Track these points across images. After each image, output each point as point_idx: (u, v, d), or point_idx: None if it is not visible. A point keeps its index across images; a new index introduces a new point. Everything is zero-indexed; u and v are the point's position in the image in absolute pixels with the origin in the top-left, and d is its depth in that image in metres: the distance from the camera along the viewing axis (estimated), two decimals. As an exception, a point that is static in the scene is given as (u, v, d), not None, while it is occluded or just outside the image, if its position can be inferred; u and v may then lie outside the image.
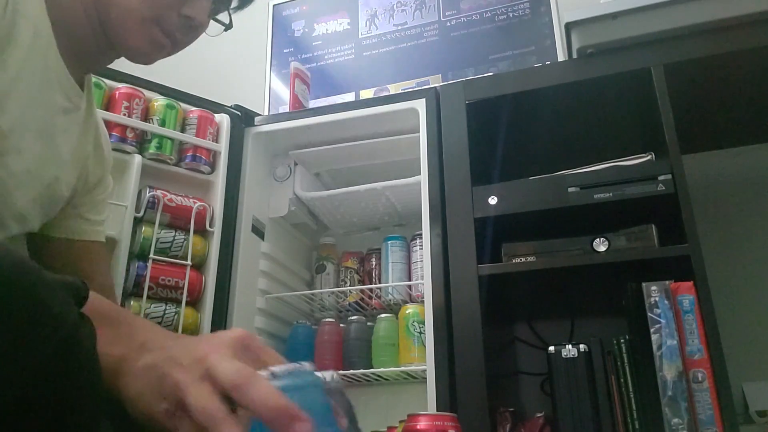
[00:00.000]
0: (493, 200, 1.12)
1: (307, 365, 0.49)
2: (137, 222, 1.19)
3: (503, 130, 1.32)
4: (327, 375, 0.54)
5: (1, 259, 0.43)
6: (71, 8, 0.74)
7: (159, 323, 1.19)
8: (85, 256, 0.85)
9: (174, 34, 0.78)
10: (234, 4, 0.84)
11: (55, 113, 0.75)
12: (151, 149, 1.25)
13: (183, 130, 1.30)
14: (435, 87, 1.30)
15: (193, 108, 1.33)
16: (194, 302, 1.23)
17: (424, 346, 1.13)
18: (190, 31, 0.79)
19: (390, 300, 1.43)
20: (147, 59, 0.79)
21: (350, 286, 1.51)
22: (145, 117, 1.25)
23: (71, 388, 0.46)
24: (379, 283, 1.47)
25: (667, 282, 0.97)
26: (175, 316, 1.20)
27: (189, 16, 0.76)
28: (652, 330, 0.95)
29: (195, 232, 1.24)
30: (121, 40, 0.76)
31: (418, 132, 1.26)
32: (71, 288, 0.48)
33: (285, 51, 1.96)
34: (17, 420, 0.42)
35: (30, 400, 0.42)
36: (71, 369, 0.46)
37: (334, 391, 0.54)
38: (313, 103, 1.66)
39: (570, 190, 1.09)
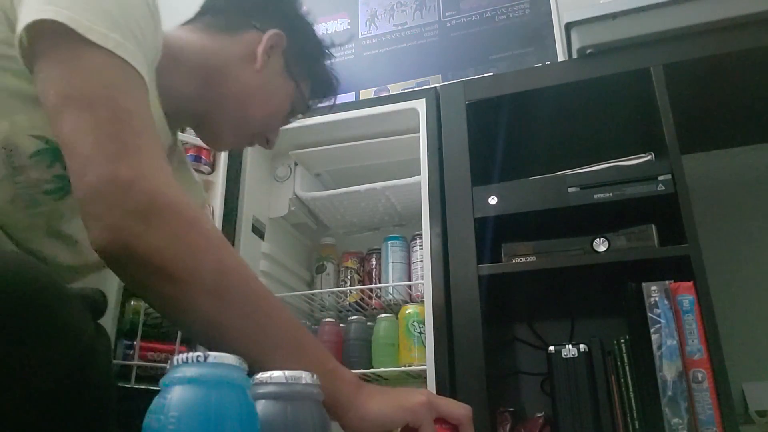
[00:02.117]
0: (493, 200, 1.12)
1: (232, 360, 0.46)
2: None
3: (503, 130, 1.32)
4: (297, 378, 0.53)
5: (22, 273, 0.43)
6: (178, 92, 0.83)
7: (159, 323, 1.19)
8: None
9: (252, 143, 0.96)
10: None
11: None
12: (151, 149, 1.24)
13: (184, 130, 1.30)
14: (435, 87, 1.30)
15: (194, 108, 1.33)
16: (194, 302, 1.23)
17: (424, 346, 1.13)
18: (262, 146, 0.97)
19: (390, 300, 1.43)
20: (222, 148, 1.00)
21: (350, 286, 1.51)
22: (145, 117, 1.25)
23: (87, 400, 0.47)
24: (379, 283, 1.47)
25: (667, 282, 0.97)
26: None
27: (269, 140, 0.95)
28: (652, 330, 0.95)
29: (195, 232, 1.24)
30: (216, 131, 0.90)
31: (418, 132, 1.26)
32: (89, 301, 0.49)
33: (285, 51, 1.96)
34: (36, 430, 0.43)
35: (47, 413, 0.43)
36: (87, 382, 0.47)
37: (296, 396, 0.53)
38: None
39: (570, 190, 1.09)
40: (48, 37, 0.59)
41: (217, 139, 0.93)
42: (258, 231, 1.40)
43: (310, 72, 0.96)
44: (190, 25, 0.89)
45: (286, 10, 0.95)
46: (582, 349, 1.05)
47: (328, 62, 1.00)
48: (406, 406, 0.59)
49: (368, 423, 0.59)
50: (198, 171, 1.32)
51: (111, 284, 1.05)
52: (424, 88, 1.44)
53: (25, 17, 0.59)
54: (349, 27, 1.91)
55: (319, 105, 1.01)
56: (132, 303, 1.16)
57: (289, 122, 0.98)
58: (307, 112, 1.00)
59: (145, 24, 0.66)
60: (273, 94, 0.92)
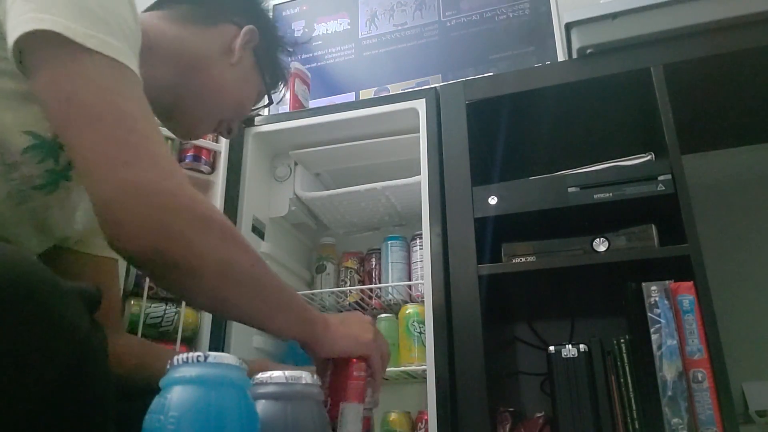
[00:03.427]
0: (493, 200, 1.12)
1: (231, 360, 0.47)
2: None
3: (503, 130, 1.32)
4: (297, 378, 0.53)
5: (16, 267, 0.43)
6: (152, 81, 0.81)
7: (159, 323, 1.19)
8: (97, 271, 0.88)
9: (214, 132, 0.98)
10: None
11: None
12: (151, 149, 1.24)
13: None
14: (435, 87, 1.30)
15: (194, 108, 1.33)
16: (194, 302, 1.23)
17: (424, 346, 1.13)
18: (222, 136, 1.00)
19: (390, 300, 1.43)
20: (184, 137, 0.99)
21: (350, 286, 1.51)
22: (145, 117, 1.25)
23: (84, 394, 0.46)
24: (379, 283, 1.47)
25: (667, 282, 0.97)
26: (176, 316, 1.20)
27: (231, 130, 0.97)
28: (652, 330, 0.95)
29: (195, 232, 1.24)
30: (184, 119, 0.91)
31: (418, 132, 1.26)
32: (85, 295, 0.49)
33: (285, 51, 1.96)
34: (32, 427, 0.43)
35: (43, 408, 0.43)
36: (84, 376, 0.46)
37: (296, 396, 0.53)
38: (313, 103, 1.66)
39: (570, 190, 1.09)
40: (44, 47, 0.59)
41: (191, 129, 0.94)
42: (258, 231, 1.40)
43: (270, 65, 0.99)
44: (160, 12, 0.88)
45: (257, 7, 0.98)
46: (582, 349, 1.05)
47: (286, 58, 1.04)
48: (361, 341, 0.78)
49: (335, 353, 0.76)
50: (198, 171, 1.32)
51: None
52: (424, 88, 1.44)
53: (19, 26, 0.58)
54: (349, 27, 1.91)
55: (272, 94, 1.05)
56: (132, 303, 1.16)
57: (251, 114, 1.03)
58: (268, 105, 1.04)
59: (128, 17, 0.66)
60: (244, 86, 0.94)
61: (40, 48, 0.59)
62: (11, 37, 0.59)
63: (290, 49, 1.04)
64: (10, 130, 0.64)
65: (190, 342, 1.24)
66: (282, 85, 1.05)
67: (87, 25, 0.60)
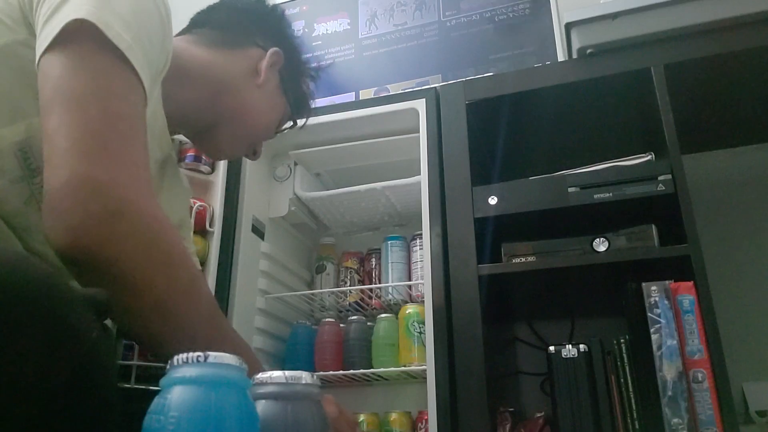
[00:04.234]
0: (493, 200, 1.12)
1: (231, 360, 0.46)
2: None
3: (503, 130, 1.32)
4: (298, 378, 0.53)
5: (24, 273, 0.43)
6: (185, 102, 0.85)
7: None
8: None
9: (240, 156, 1.03)
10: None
11: (152, 163, 0.84)
12: (151, 149, 1.25)
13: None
14: (435, 87, 1.30)
15: (193, 108, 1.33)
16: (194, 302, 1.23)
17: (424, 346, 1.13)
18: (249, 158, 1.04)
19: (390, 300, 1.43)
20: (217, 158, 1.09)
21: (350, 286, 1.51)
22: (145, 117, 1.26)
23: (89, 401, 0.46)
24: (379, 283, 1.47)
25: (667, 282, 0.97)
26: None
27: (256, 152, 1.01)
28: (652, 330, 0.95)
29: (195, 232, 1.24)
30: (215, 141, 0.94)
31: (418, 132, 1.26)
32: (94, 302, 0.49)
33: (285, 51, 1.96)
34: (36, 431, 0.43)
35: (49, 415, 0.43)
36: (90, 383, 0.46)
37: (296, 396, 0.52)
38: (313, 103, 1.66)
39: (570, 190, 1.09)
40: (68, 36, 0.60)
41: (219, 150, 0.97)
42: (258, 231, 1.40)
43: (296, 89, 1.02)
44: (190, 37, 0.91)
45: (282, 30, 1.00)
46: (582, 349, 1.05)
47: (307, 83, 1.07)
48: None
49: None
50: (198, 171, 1.32)
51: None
52: (424, 88, 1.44)
53: (60, 20, 0.60)
54: (349, 27, 1.91)
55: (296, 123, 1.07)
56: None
57: (275, 136, 1.04)
58: (292, 127, 1.06)
59: (154, 33, 0.67)
60: (271, 109, 0.97)
61: (70, 35, 0.60)
62: (55, 30, 0.60)
63: (313, 73, 1.06)
64: (37, 135, 0.64)
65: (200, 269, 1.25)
66: (306, 109, 1.06)
67: (120, 26, 0.62)
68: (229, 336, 0.68)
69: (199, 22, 0.94)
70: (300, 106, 1.04)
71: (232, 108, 0.91)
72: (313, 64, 1.07)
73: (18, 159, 0.65)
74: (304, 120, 1.09)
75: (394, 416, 1.34)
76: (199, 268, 1.18)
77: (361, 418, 1.34)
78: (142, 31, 0.65)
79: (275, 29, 0.99)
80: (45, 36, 0.61)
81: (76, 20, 0.60)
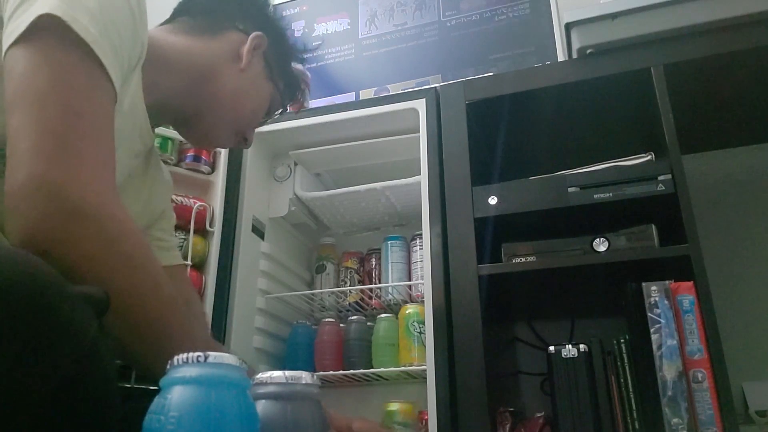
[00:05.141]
0: (493, 200, 1.12)
1: (231, 360, 0.46)
2: (137, 222, 1.19)
3: (503, 130, 1.32)
4: (298, 378, 0.53)
5: (23, 271, 0.43)
6: (167, 92, 0.84)
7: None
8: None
9: (233, 143, 0.98)
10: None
11: (133, 157, 0.84)
12: (151, 149, 1.25)
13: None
14: (435, 87, 1.30)
15: (194, 108, 1.33)
16: (194, 302, 1.23)
17: (424, 346, 1.13)
18: (239, 146, 1.00)
19: (390, 300, 1.43)
20: (204, 147, 1.06)
21: (350, 286, 1.51)
22: (146, 117, 1.26)
23: (88, 399, 0.46)
24: (379, 283, 1.47)
25: (667, 282, 0.97)
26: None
27: (247, 139, 0.98)
28: (652, 330, 0.95)
29: (195, 232, 1.24)
30: (201, 129, 0.92)
31: (418, 132, 1.26)
32: (93, 300, 0.49)
33: (285, 51, 1.96)
34: (35, 430, 0.43)
35: (48, 411, 0.43)
36: (89, 381, 0.46)
37: (296, 396, 0.52)
38: (313, 103, 1.66)
39: (570, 190, 1.09)
40: (34, 30, 0.59)
41: (206, 137, 0.95)
42: (258, 231, 1.40)
43: (284, 73, 0.99)
44: (169, 26, 0.90)
45: (264, 13, 0.98)
46: (582, 349, 1.05)
47: (299, 65, 1.04)
48: None
49: None
50: (198, 171, 1.32)
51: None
52: (424, 88, 1.44)
53: (28, 16, 0.59)
54: (349, 27, 1.91)
55: (289, 106, 1.05)
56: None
57: (265, 122, 1.02)
58: (282, 113, 1.04)
59: (124, 25, 0.67)
60: (256, 93, 0.94)
61: (36, 29, 0.59)
62: (22, 25, 0.59)
63: (301, 55, 1.03)
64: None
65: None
66: (298, 93, 1.04)
67: (88, 20, 0.61)
68: (199, 338, 0.65)
69: (180, 11, 0.93)
70: (290, 90, 1.01)
71: (214, 94, 0.89)
72: (300, 45, 1.04)
73: None
74: (298, 105, 1.06)
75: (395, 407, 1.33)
76: (187, 263, 1.19)
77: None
78: (110, 24, 0.64)
79: (257, 12, 0.97)
80: (11, 31, 0.60)
81: (41, 15, 0.59)
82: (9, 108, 0.58)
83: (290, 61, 1.01)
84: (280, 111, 1.02)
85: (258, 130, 1.40)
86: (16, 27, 0.60)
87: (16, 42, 0.60)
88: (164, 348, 0.57)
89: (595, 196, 1.07)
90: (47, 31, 0.59)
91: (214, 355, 0.45)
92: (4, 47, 0.61)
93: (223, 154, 1.35)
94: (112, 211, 0.58)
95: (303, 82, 1.05)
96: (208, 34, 0.90)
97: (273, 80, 0.96)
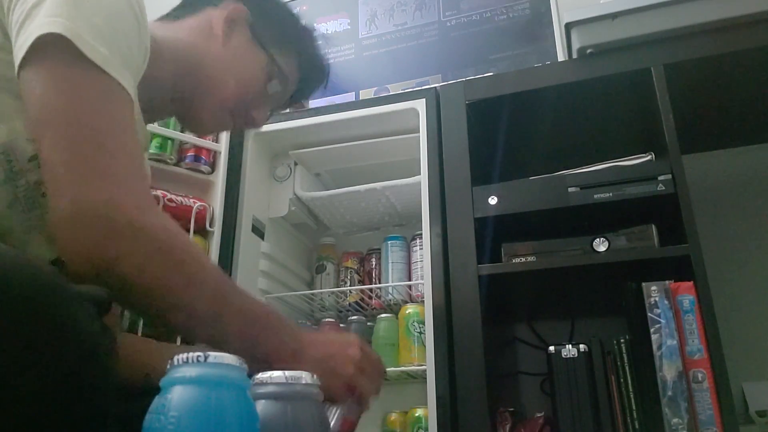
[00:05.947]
0: (493, 200, 1.12)
1: (231, 360, 0.47)
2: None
3: (503, 130, 1.32)
4: (298, 378, 0.53)
5: (24, 270, 0.43)
6: (157, 80, 0.82)
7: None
8: None
9: (236, 123, 0.93)
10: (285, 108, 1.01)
11: None
12: (152, 149, 1.25)
13: (183, 131, 1.30)
14: (435, 87, 1.30)
15: (194, 108, 1.33)
16: (194, 302, 1.23)
17: (424, 346, 1.13)
18: (247, 126, 0.95)
19: (390, 300, 1.43)
20: (206, 133, 0.99)
21: (350, 286, 1.51)
22: (146, 117, 1.26)
23: (89, 398, 0.47)
24: (379, 283, 1.47)
25: (667, 282, 0.97)
26: None
27: (254, 117, 0.92)
28: (652, 330, 0.95)
29: (195, 232, 1.24)
30: (195, 115, 0.90)
31: (418, 132, 1.26)
32: (94, 299, 0.49)
33: (285, 51, 1.96)
34: (36, 429, 0.43)
35: (49, 410, 0.43)
36: (90, 380, 0.46)
37: (296, 396, 0.52)
38: (313, 103, 1.66)
39: (570, 190, 1.09)
40: (43, 48, 0.59)
41: (201, 123, 0.93)
42: (258, 231, 1.40)
43: (283, 40, 0.93)
44: (161, 20, 0.90)
45: None
46: (582, 349, 1.05)
47: (315, 44, 1.01)
48: (341, 378, 0.71)
49: None
50: (198, 171, 1.32)
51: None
52: (424, 88, 1.44)
53: (33, 30, 0.59)
54: (349, 27, 1.91)
55: (315, 88, 1.02)
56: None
57: (284, 96, 0.96)
58: (300, 92, 1.00)
59: (131, 35, 0.67)
60: (242, 65, 0.89)
61: (38, 48, 0.59)
62: (23, 42, 0.60)
63: (291, 18, 0.98)
64: (19, 137, 0.64)
65: (191, 342, 1.24)
66: (319, 74, 1.01)
67: (94, 37, 0.61)
68: (262, 320, 0.69)
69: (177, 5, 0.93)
70: (307, 67, 0.97)
71: (197, 75, 0.86)
72: (292, 7, 0.99)
73: (1, 162, 0.65)
74: (322, 86, 1.03)
75: (393, 416, 1.34)
76: None
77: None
78: (119, 35, 0.64)
79: None
80: (20, 45, 0.60)
81: (47, 35, 0.59)
82: (35, 132, 0.60)
83: (282, 24, 0.95)
84: (301, 82, 0.97)
85: (258, 130, 1.42)
86: (25, 41, 0.60)
87: (28, 59, 0.60)
88: (242, 337, 0.64)
89: (595, 196, 1.07)
90: (55, 49, 0.59)
91: (214, 355, 0.46)
92: (17, 61, 0.61)
93: (223, 154, 1.35)
94: (154, 219, 0.60)
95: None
96: (188, 17, 0.89)
97: (266, 49, 0.90)
